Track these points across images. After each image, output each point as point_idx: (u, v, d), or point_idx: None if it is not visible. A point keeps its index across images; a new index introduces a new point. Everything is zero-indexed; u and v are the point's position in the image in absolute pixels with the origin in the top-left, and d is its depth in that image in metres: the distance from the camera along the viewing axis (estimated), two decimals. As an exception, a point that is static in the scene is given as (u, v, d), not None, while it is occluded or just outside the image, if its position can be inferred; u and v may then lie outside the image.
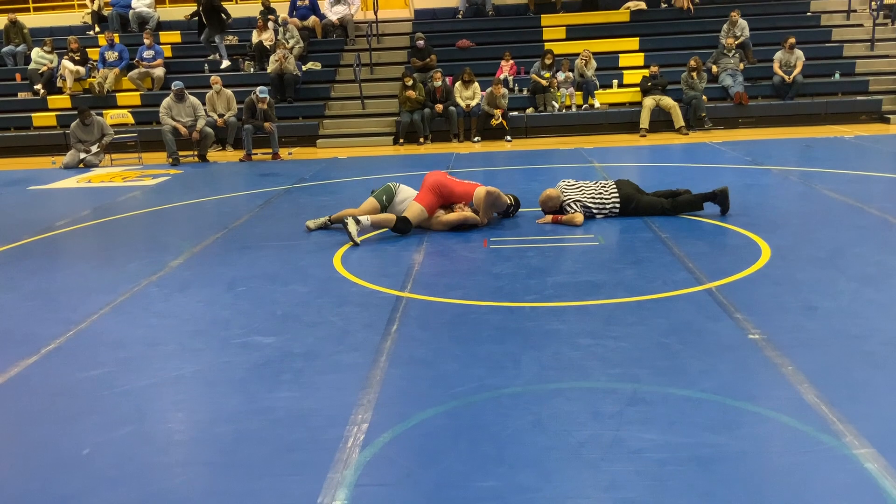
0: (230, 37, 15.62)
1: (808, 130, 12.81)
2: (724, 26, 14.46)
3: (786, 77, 13.56)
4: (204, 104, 12.63)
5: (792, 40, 13.67)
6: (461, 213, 6.48)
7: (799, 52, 13.68)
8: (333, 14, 15.90)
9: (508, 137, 13.28)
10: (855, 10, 15.57)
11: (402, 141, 13.39)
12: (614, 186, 6.76)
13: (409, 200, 6.54)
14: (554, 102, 13.71)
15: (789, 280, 4.83)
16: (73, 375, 3.76)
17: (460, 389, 3.39)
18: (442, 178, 6.58)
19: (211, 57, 15.18)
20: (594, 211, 6.67)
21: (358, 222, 6.19)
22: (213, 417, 3.27)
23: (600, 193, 6.71)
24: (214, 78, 12.92)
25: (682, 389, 3.30)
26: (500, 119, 13.15)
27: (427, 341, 4.04)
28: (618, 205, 6.67)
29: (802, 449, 2.80)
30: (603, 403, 3.20)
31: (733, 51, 14.04)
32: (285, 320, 4.44)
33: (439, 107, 13.32)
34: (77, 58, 14.97)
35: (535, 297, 4.65)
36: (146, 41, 15.05)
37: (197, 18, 15.39)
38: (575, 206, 6.58)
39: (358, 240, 6.14)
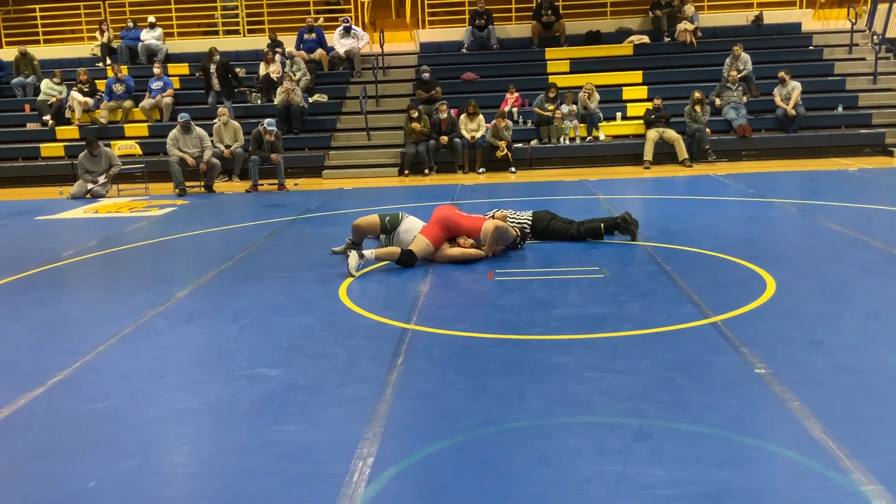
0: (255, 93, 15.37)
1: (811, 163, 12.86)
2: (727, 60, 14.58)
3: (788, 108, 13.64)
4: (211, 135, 12.75)
5: (782, 74, 13.79)
6: (464, 249, 6.50)
7: (794, 83, 13.78)
8: (342, 46, 16.07)
9: (513, 169, 13.35)
10: (857, 44, 15.71)
11: (407, 172, 13.47)
12: (530, 212, 7.34)
13: (414, 232, 6.56)
14: (565, 134, 13.80)
15: (795, 314, 4.83)
16: (78, 407, 3.76)
17: (466, 423, 3.38)
18: (449, 213, 6.60)
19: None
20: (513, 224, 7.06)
21: (361, 256, 6.22)
22: (219, 450, 3.27)
23: (519, 215, 7.24)
24: (222, 110, 13.03)
25: (688, 424, 3.29)
26: (504, 150, 13.22)
27: (432, 374, 4.04)
28: (529, 223, 7.16)
29: (810, 486, 2.78)
30: (609, 438, 3.19)
31: (737, 84, 14.15)
32: (291, 352, 4.45)
33: (444, 139, 13.42)
34: (86, 89, 15.15)
35: (540, 330, 4.65)
36: (156, 71, 15.22)
37: (203, 80, 15.01)
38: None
39: (356, 273, 6.16)
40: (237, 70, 15.26)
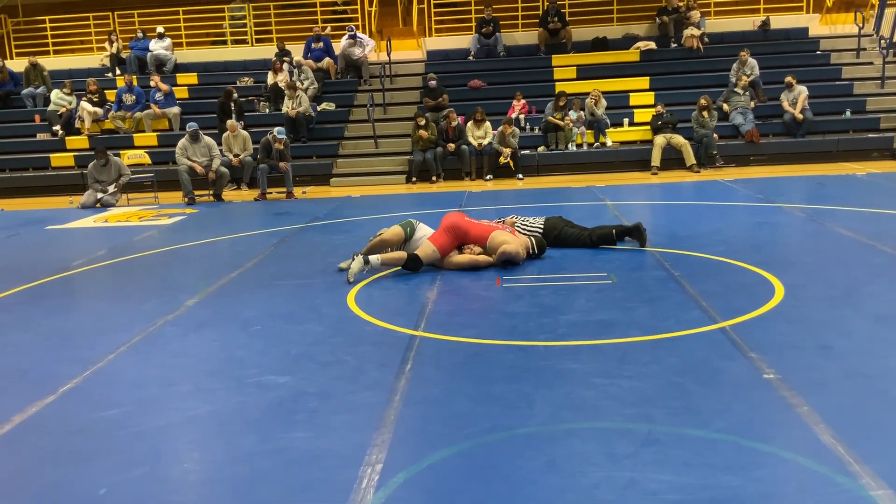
0: (263, 102, 15.28)
1: (819, 168, 12.83)
2: (734, 65, 14.58)
3: (795, 113, 13.62)
4: (220, 144, 12.81)
5: (789, 79, 13.79)
6: (471, 256, 6.50)
7: (801, 88, 13.77)
8: (349, 54, 16.11)
9: (520, 176, 13.36)
10: (864, 49, 15.68)
11: (414, 179, 13.50)
12: (543, 218, 7.29)
13: (425, 239, 6.57)
14: (572, 140, 13.81)
15: (803, 319, 4.82)
16: (89, 415, 3.79)
17: (474, 429, 3.39)
18: (458, 220, 6.61)
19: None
20: (525, 232, 7.04)
21: (367, 262, 6.22)
22: (228, 458, 3.29)
23: (530, 222, 7.20)
24: (232, 124, 13.04)
25: (696, 430, 3.29)
26: (507, 158, 13.21)
27: (441, 381, 4.05)
28: (540, 230, 7.09)
29: (819, 491, 2.78)
30: (617, 444, 3.19)
31: (745, 89, 14.13)
32: (300, 360, 4.47)
33: (451, 146, 13.45)
34: (95, 99, 15.26)
35: (548, 336, 4.65)
36: (152, 83, 15.25)
37: (218, 109, 14.35)
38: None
39: (351, 279, 6.18)
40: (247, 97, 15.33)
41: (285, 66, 15.36)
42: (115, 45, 17.16)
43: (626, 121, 14.45)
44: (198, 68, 17.01)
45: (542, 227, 7.17)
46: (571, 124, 13.84)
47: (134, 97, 15.31)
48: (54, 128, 15.29)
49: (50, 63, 17.25)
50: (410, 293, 5.91)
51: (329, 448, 3.29)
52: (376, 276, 6.37)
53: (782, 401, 3.55)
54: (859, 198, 9.53)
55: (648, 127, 13.92)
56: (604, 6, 17.35)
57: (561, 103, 13.99)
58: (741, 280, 5.83)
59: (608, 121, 14.15)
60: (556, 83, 15.34)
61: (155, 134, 15.06)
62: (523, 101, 14.67)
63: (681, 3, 16.48)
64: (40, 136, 15.45)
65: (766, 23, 16.43)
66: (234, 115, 13.96)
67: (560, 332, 4.74)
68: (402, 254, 6.43)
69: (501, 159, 13.28)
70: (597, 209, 9.50)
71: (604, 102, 14.22)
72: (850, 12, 16.48)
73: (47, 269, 7.37)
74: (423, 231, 6.71)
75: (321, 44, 16.10)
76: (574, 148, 13.89)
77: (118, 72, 16.79)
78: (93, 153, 12.84)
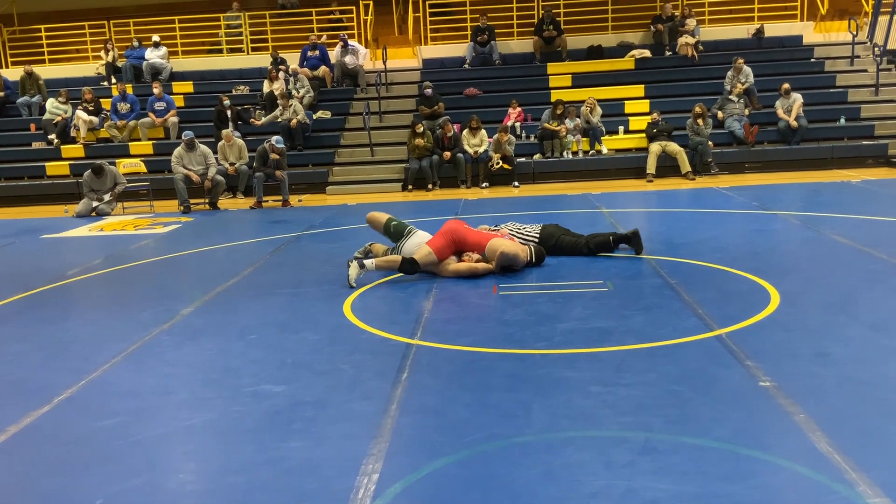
0: (259, 111, 15.28)
1: (814, 175, 12.88)
2: (729, 73, 14.64)
3: (790, 120, 13.67)
4: (216, 153, 12.81)
5: (786, 86, 13.85)
6: (470, 263, 6.49)
7: (796, 95, 13.84)
8: (345, 63, 16.15)
9: (516, 183, 13.38)
10: (858, 56, 15.76)
11: (410, 187, 13.52)
12: (540, 226, 7.28)
13: (422, 244, 6.55)
14: (568, 148, 13.84)
15: (799, 326, 4.83)
16: (85, 425, 3.77)
17: (471, 438, 3.38)
18: (457, 226, 6.61)
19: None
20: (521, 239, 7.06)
21: (362, 266, 6.23)
22: (225, 467, 3.27)
23: (527, 230, 7.19)
24: (227, 134, 13.05)
25: (694, 438, 3.29)
26: (499, 163, 13.22)
27: (437, 389, 4.04)
28: (536, 238, 7.07)
29: (816, 499, 2.78)
30: (615, 452, 3.18)
31: (740, 97, 14.18)
32: (296, 368, 4.46)
33: (447, 154, 13.47)
34: (91, 108, 15.26)
35: (545, 344, 4.65)
36: (156, 91, 15.31)
37: (215, 117, 14.61)
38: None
39: (353, 283, 6.19)
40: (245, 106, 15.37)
41: (281, 74, 15.38)
42: (110, 53, 17.17)
43: (621, 128, 14.50)
44: (194, 77, 17.03)
45: (538, 234, 7.15)
46: (567, 132, 13.87)
47: (129, 105, 15.31)
48: (49, 136, 15.28)
49: (45, 72, 17.25)
50: (407, 301, 5.90)
51: (326, 457, 3.28)
52: (373, 285, 6.36)
53: (779, 409, 3.56)
54: (854, 205, 9.55)
55: (644, 134, 13.97)
56: (599, 14, 17.42)
57: (558, 111, 14.04)
58: (737, 287, 5.84)
59: (603, 128, 14.19)
60: (552, 91, 15.39)
61: (151, 142, 15.06)
62: (519, 109, 14.72)
63: (675, 12, 16.57)
64: (35, 145, 15.45)
65: (760, 31, 16.51)
66: (230, 124, 13.97)
67: (557, 340, 4.74)
68: (396, 257, 6.43)
69: (492, 166, 13.25)
70: (593, 216, 9.51)
71: (599, 110, 14.27)
72: (843, 20, 16.57)
73: (42, 278, 7.35)
74: (421, 238, 6.70)
75: (317, 52, 16.13)
76: (569, 155, 13.93)
77: (114, 80, 16.79)
78: (88, 162, 12.83)
